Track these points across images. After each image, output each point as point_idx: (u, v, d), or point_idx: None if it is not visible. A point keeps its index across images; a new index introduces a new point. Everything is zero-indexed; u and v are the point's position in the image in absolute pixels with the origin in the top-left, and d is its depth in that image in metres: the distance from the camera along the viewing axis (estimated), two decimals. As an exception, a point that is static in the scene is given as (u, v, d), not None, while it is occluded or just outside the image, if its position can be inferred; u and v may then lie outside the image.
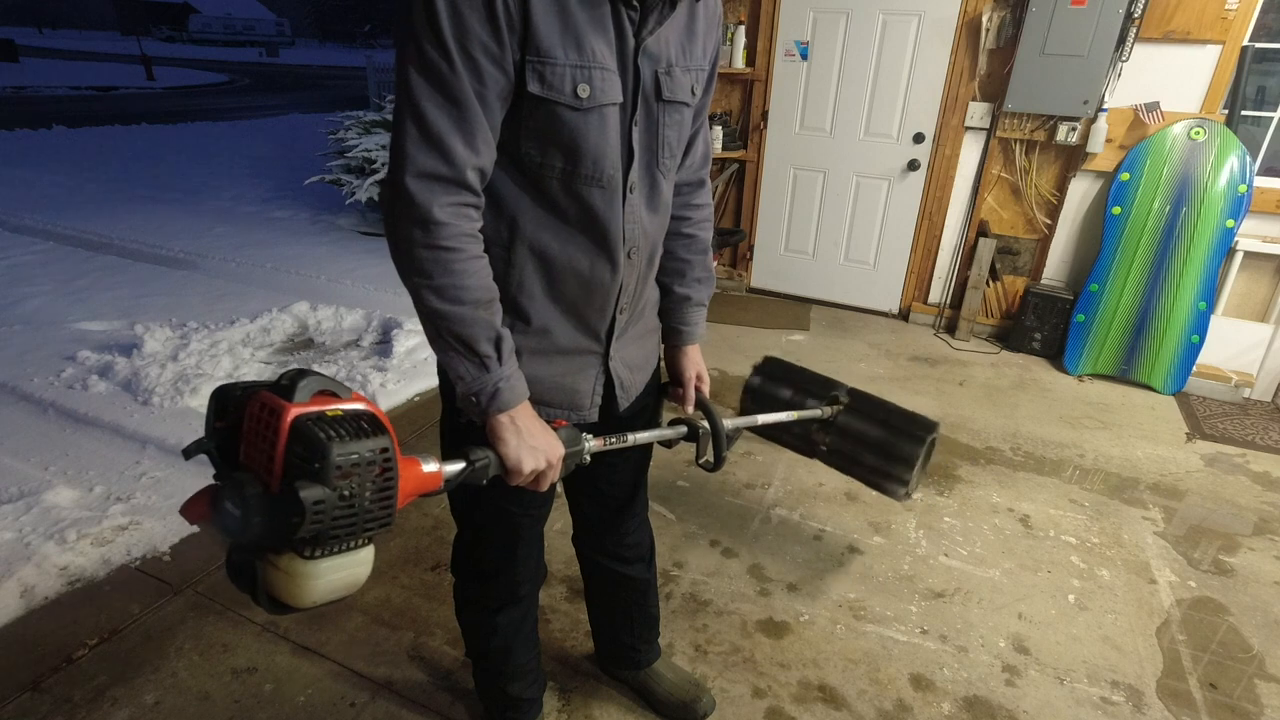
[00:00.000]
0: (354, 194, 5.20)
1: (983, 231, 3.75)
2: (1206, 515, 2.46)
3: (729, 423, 1.24)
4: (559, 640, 1.79)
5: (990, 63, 3.50)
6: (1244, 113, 3.16)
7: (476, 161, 0.85)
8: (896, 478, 1.78)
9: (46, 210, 5.56)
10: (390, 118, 5.38)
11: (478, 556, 1.28)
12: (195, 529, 2.09)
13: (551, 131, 0.89)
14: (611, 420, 1.14)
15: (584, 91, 0.87)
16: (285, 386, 0.70)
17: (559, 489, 1.28)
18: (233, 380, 1.55)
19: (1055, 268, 3.71)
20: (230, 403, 0.74)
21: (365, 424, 0.71)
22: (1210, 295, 3.21)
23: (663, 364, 1.29)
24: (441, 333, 0.89)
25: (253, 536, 0.67)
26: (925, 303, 4.07)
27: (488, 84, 0.83)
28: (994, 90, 3.52)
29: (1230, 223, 3.12)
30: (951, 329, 3.96)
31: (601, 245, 0.99)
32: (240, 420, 0.72)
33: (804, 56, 3.88)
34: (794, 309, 4.24)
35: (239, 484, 0.67)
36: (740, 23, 3.87)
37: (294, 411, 0.67)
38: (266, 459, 0.68)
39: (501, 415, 0.92)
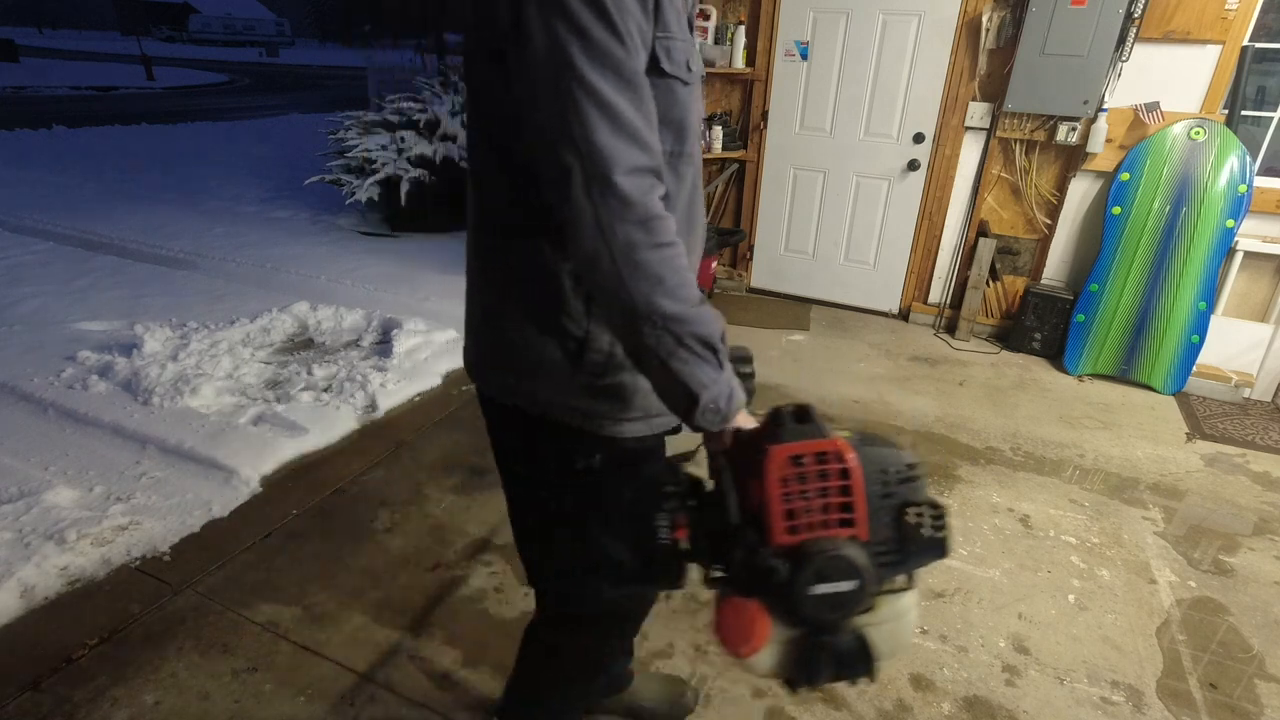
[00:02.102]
0: (354, 194, 5.20)
1: (983, 231, 3.75)
2: (1206, 515, 2.46)
3: None
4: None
5: (990, 63, 3.50)
6: (1244, 113, 3.16)
7: (661, 147, 0.79)
8: None
9: (46, 210, 5.55)
10: (391, 118, 5.38)
11: (620, 633, 1.18)
12: (196, 529, 2.09)
13: (666, 109, 0.82)
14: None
15: (694, 65, 0.84)
16: (791, 427, 0.60)
17: None
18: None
19: (1055, 268, 3.71)
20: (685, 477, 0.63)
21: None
22: (1210, 295, 3.21)
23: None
24: (683, 339, 0.75)
25: (864, 600, 0.59)
26: (925, 303, 4.07)
27: (644, 65, 0.77)
28: (994, 90, 3.52)
29: (1230, 223, 3.12)
30: (951, 329, 3.95)
31: (694, 225, 0.94)
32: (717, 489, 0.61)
33: (804, 56, 3.88)
34: (794, 309, 4.24)
35: (845, 557, 0.58)
36: (740, 23, 3.87)
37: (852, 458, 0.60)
38: (839, 513, 0.60)
39: (739, 415, 0.80)
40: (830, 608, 0.59)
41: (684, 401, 0.77)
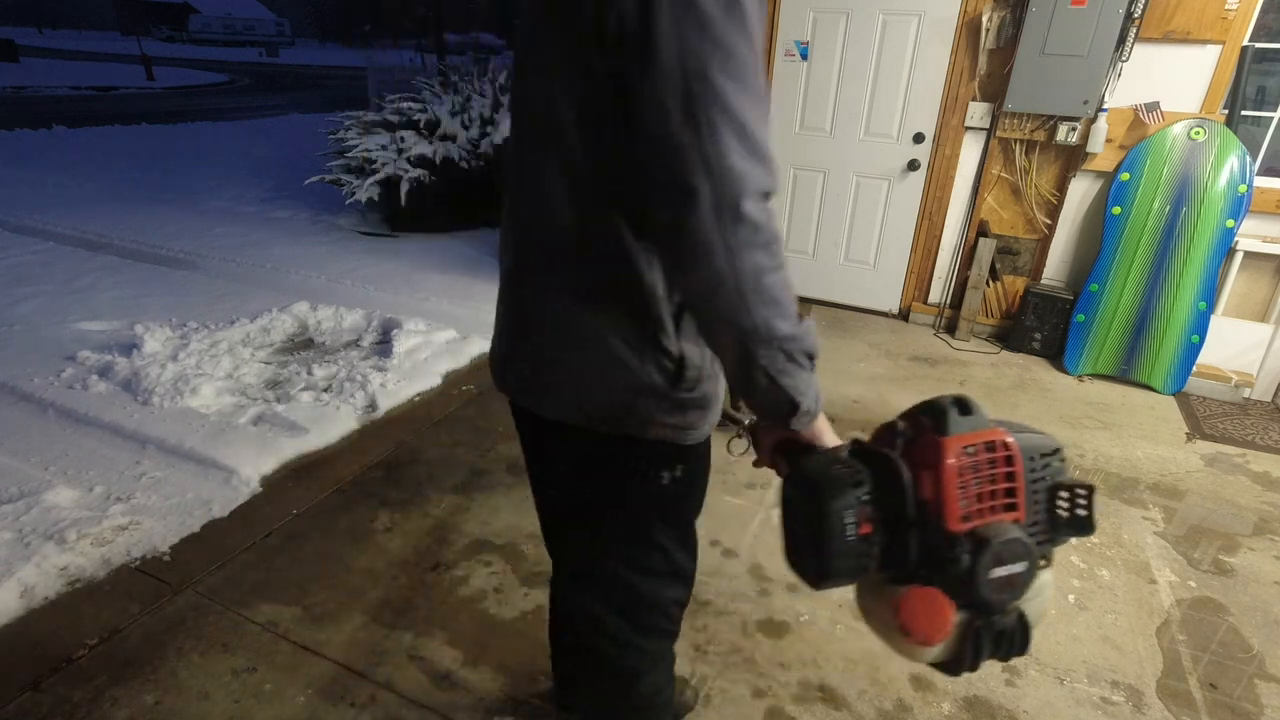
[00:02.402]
0: (354, 194, 5.20)
1: (983, 231, 3.75)
2: (1206, 515, 2.46)
3: None
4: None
5: (990, 63, 3.50)
6: (1244, 113, 3.16)
7: None
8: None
9: (46, 210, 5.55)
10: (391, 118, 5.39)
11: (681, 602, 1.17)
12: (196, 529, 2.09)
13: None
14: None
15: None
16: (957, 420, 0.63)
17: None
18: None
19: (1055, 268, 3.71)
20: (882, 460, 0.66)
21: None
22: (1210, 295, 3.21)
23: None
24: (794, 356, 0.76)
25: (1032, 580, 0.63)
26: (925, 303, 4.07)
27: None
28: (994, 90, 3.52)
29: (1230, 223, 3.12)
30: (951, 329, 3.95)
31: None
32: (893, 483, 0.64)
33: (804, 56, 3.88)
34: (794, 309, 4.23)
35: (1020, 540, 0.62)
36: (740, 23, 3.87)
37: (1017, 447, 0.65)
38: (1004, 498, 0.63)
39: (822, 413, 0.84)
40: (1005, 589, 0.62)
41: (786, 409, 0.79)
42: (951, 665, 0.66)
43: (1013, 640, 0.66)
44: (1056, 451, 0.68)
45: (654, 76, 0.68)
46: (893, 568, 0.65)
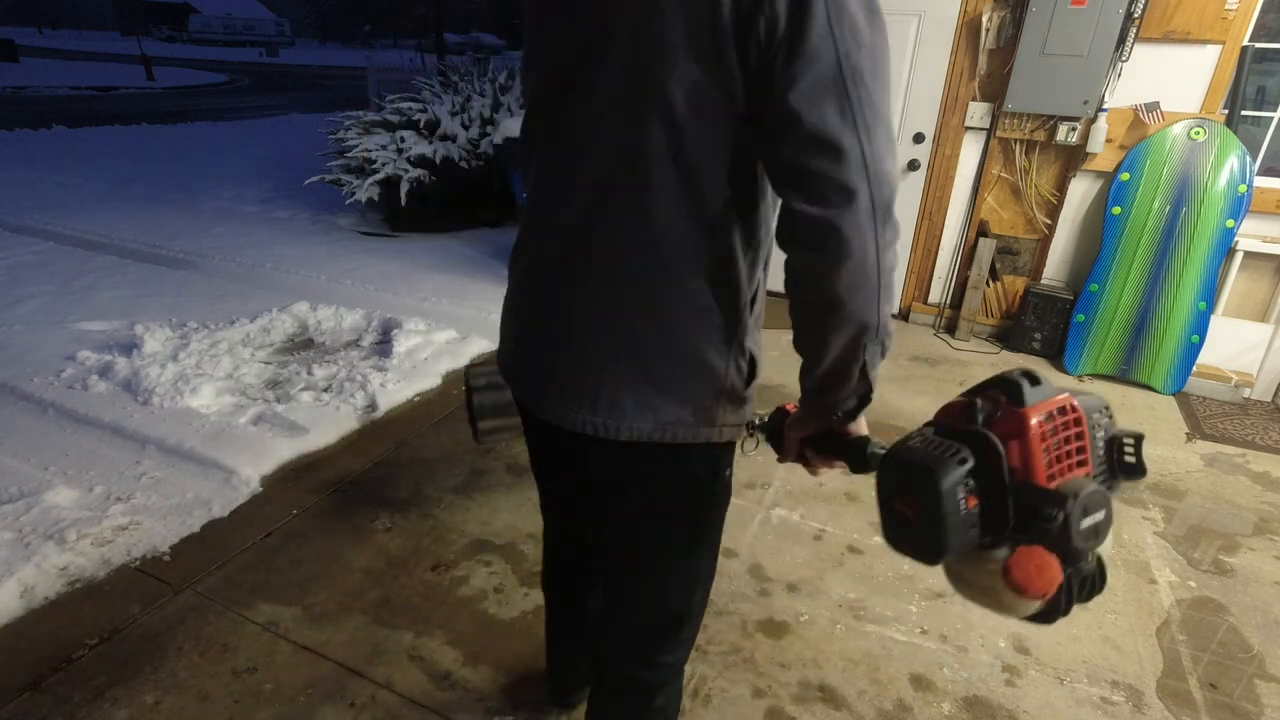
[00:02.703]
0: (354, 194, 5.20)
1: (983, 231, 3.75)
2: (1206, 515, 2.46)
3: None
4: (559, 640, 1.78)
5: (990, 63, 3.50)
6: (1244, 113, 3.16)
7: None
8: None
9: (46, 210, 5.55)
10: (391, 118, 5.39)
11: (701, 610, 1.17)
12: (196, 529, 2.09)
13: None
14: None
15: None
16: (1030, 389, 0.71)
17: None
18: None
19: (1055, 268, 3.71)
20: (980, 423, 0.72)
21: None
22: (1210, 295, 3.21)
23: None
24: (886, 348, 0.80)
25: (1110, 526, 0.71)
26: (925, 303, 4.07)
27: None
28: (994, 90, 3.52)
29: (1230, 223, 3.12)
30: (951, 329, 3.95)
31: None
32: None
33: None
34: (794, 309, 4.23)
35: (1100, 491, 0.69)
36: (740, 23, 3.87)
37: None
38: (1077, 455, 0.71)
39: None
40: (1092, 537, 0.68)
41: (863, 401, 0.84)
42: (1047, 615, 0.72)
43: (1095, 583, 0.72)
44: (1107, 408, 0.75)
45: (811, 78, 0.69)
46: (991, 535, 0.69)
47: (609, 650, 1.16)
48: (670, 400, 0.88)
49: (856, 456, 0.88)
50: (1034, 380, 0.71)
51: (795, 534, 2.23)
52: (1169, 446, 2.90)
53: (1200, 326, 3.24)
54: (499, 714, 1.58)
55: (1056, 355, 3.62)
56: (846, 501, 2.40)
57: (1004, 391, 0.71)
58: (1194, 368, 3.32)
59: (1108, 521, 0.68)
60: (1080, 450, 0.70)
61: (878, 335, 0.78)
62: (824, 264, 0.74)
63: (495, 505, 2.30)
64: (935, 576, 2.06)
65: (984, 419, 0.71)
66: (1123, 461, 0.74)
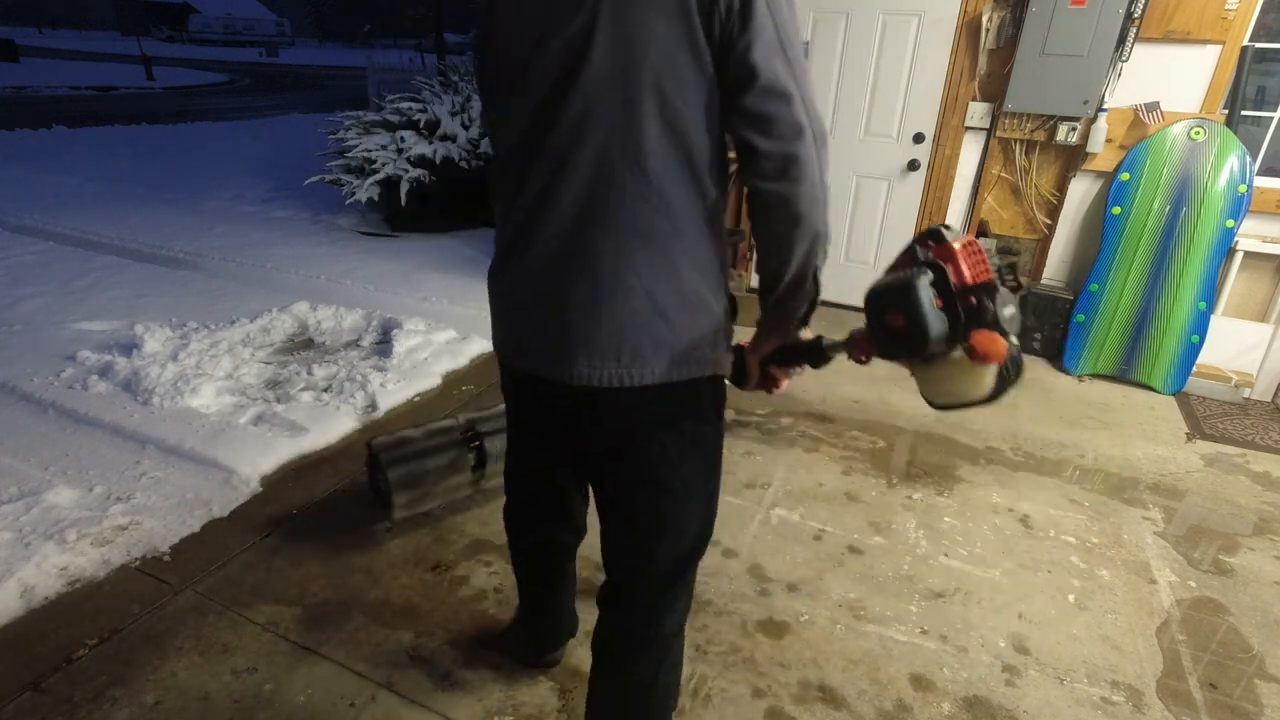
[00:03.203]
0: (354, 194, 5.20)
1: (983, 231, 3.75)
2: (1206, 515, 2.46)
3: None
4: (559, 640, 1.78)
5: (990, 63, 3.50)
6: (1244, 113, 3.16)
7: None
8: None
9: (46, 210, 5.56)
10: (391, 118, 5.39)
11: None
12: (196, 529, 2.09)
13: None
14: None
15: None
16: (948, 233, 0.97)
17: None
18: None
19: (1055, 268, 3.71)
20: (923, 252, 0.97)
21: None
22: (1210, 295, 3.21)
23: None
24: (828, 251, 1.00)
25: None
26: (925, 303, 4.07)
27: None
28: (994, 90, 3.52)
29: (1230, 223, 3.12)
30: (951, 329, 3.95)
31: None
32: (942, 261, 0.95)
33: (804, 56, 3.87)
34: (794, 309, 4.23)
35: (1007, 291, 0.92)
36: (740, 23, 3.87)
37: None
38: (986, 273, 0.93)
39: None
40: (1011, 323, 0.90)
41: (811, 305, 1.03)
42: (999, 387, 0.95)
43: (1019, 364, 0.95)
44: (992, 248, 0.98)
45: (763, 42, 0.89)
46: (950, 331, 0.92)
47: (628, 593, 1.23)
48: (683, 341, 1.01)
49: (816, 353, 1.07)
50: (948, 229, 0.95)
51: (795, 534, 2.23)
52: (1169, 446, 2.90)
53: (1200, 326, 3.24)
54: (499, 714, 1.59)
55: (1056, 355, 3.62)
56: (846, 501, 2.40)
57: (931, 239, 0.95)
58: (1194, 368, 3.32)
59: (1017, 315, 0.92)
60: (985, 265, 0.93)
61: (826, 240, 0.98)
62: (788, 188, 0.91)
63: (495, 505, 2.30)
64: (935, 576, 2.06)
65: (927, 255, 0.95)
66: (1004, 281, 0.97)
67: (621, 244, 0.96)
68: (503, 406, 1.41)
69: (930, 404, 1.02)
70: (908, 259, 0.98)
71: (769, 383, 1.14)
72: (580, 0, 0.89)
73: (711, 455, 1.17)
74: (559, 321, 1.01)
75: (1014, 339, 0.92)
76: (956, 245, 0.95)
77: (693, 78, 0.91)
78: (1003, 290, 0.94)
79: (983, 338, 0.91)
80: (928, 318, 0.91)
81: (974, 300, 0.91)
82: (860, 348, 1.01)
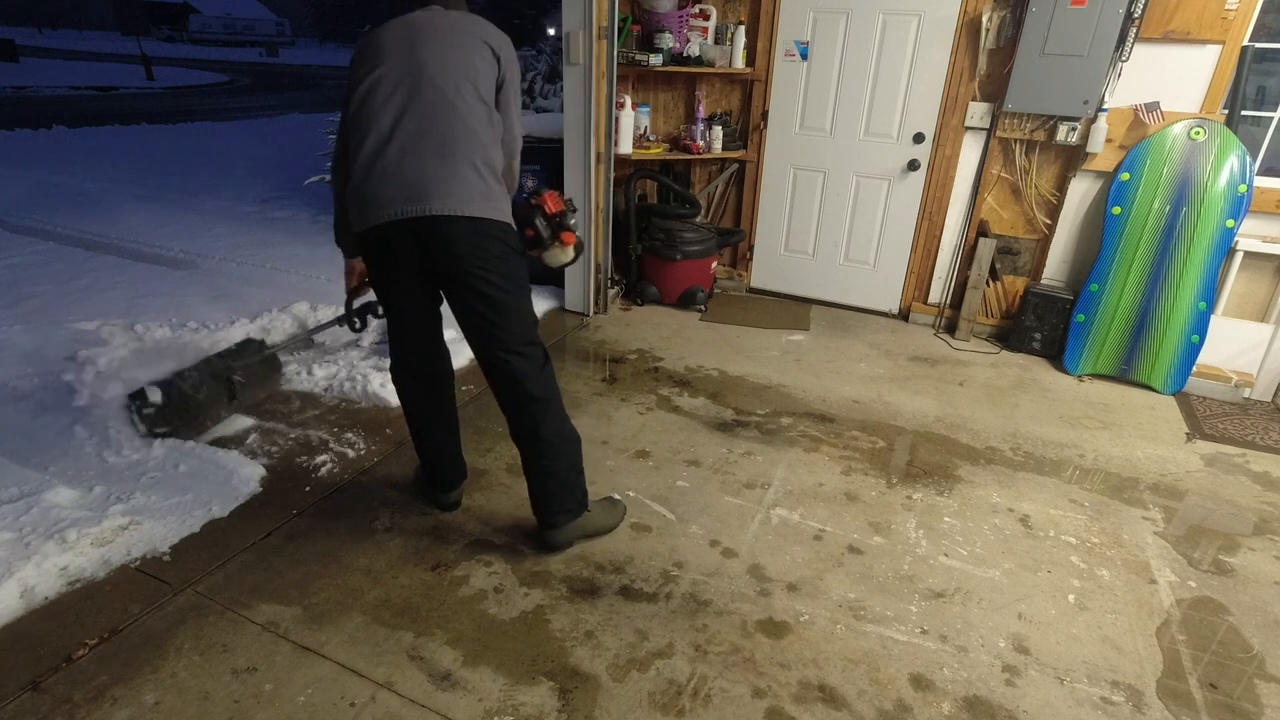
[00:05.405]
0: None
1: (983, 231, 3.75)
2: (1206, 515, 2.46)
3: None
4: (559, 639, 1.79)
5: (990, 63, 3.50)
6: (1244, 113, 3.16)
7: None
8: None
9: (46, 210, 5.55)
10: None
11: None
12: (196, 529, 2.09)
13: None
14: None
15: None
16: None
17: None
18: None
19: (1055, 268, 3.71)
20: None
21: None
22: (1210, 295, 3.21)
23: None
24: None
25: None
26: (925, 303, 4.07)
27: None
28: (994, 90, 3.52)
29: (1230, 223, 3.12)
30: (951, 329, 3.95)
31: None
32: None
33: (804, 56, 3.88)
34: (794, 309, 4.24)
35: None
36: (740, 23, 3.87)
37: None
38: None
39: None
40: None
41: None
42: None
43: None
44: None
45: (508, 93, 1.89)
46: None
47: (502, 352, 1.88)
48: (490, 200, 1.80)
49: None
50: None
51: (795, 534, 2.23)
52: (1169, 446, 2.90)
53: (1200, 326, 3.24)
54: (499, 714, 1.59)
55: (1056, 355, 3.62)
56: (846, 501, 2.40)
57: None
58: (1194, 368, 3.32)
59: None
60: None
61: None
62: (517, 160, 1.97)
63: (495, 505, 2.30)
64: (935, 576, 2.07)
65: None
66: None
67: (455, 150, 1.79)
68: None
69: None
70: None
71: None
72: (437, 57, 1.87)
73: (523, 265, 1.92)
74: (416, 180, 1.79)
75: (580, 234, 1.83)
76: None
77: (487, 92, 1.86)
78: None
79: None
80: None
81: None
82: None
